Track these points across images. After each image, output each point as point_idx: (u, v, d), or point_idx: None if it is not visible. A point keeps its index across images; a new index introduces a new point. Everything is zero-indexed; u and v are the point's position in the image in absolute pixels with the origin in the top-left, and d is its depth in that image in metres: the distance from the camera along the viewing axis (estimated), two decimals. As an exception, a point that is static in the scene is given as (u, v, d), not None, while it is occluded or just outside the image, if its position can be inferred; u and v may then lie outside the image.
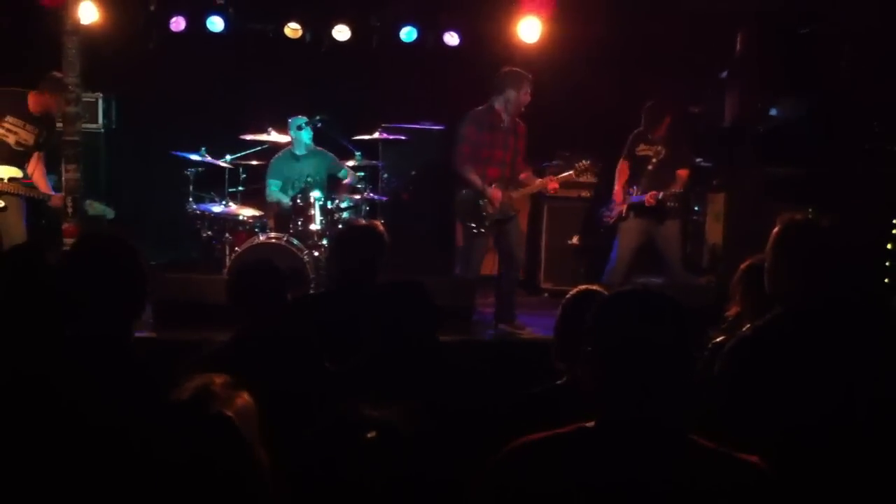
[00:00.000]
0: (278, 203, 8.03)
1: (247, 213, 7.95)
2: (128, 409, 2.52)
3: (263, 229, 7.83)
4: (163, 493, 1.85)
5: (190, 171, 8.00)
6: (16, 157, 7.39)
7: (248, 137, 8.18)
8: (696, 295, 6.96)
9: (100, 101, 9.03)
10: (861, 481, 2.96)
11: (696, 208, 9.60)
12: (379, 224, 5.11)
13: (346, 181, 8.30)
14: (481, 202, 7.20)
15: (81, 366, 2.78)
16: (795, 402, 3.02)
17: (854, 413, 3.01)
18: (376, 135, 8.52)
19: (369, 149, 8.63)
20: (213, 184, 8.17)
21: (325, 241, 7.73)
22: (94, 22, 7.94)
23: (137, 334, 3.19)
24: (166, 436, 1.87)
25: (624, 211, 7.62)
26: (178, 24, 9.18)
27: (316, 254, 7.63)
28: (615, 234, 7.72)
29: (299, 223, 7.72)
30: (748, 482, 2.08)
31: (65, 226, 7.49)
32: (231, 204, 7.94)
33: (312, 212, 7.75)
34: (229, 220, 7.91)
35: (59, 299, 2.99)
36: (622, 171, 7.80)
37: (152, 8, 9.13)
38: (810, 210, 6.03)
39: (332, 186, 8.30)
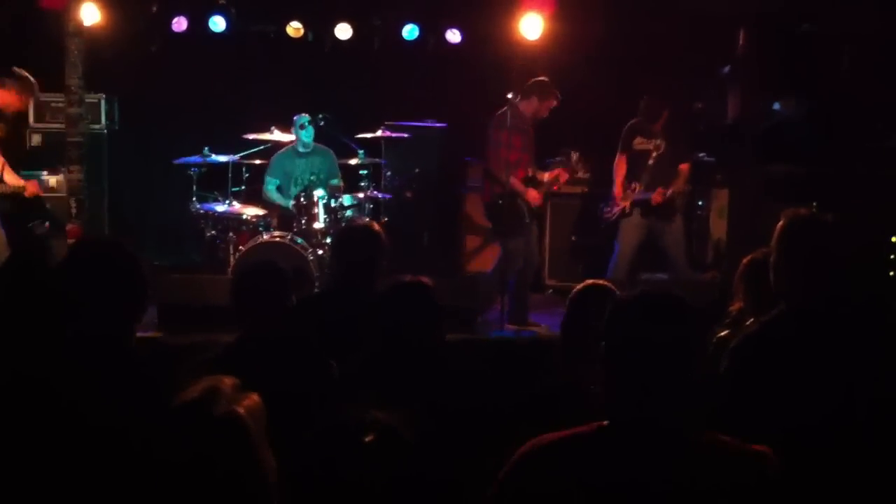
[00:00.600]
0: (279, 204, 8.04)
1: (250, 212, 7.95)
2: (128, 410, 2.53)
3: (267, 228, 7.83)
4: (170, 493, 1.85)
5: (193, 171, 7.99)
6: None
7: (251, 137, 8.18)
8: (700, 291, 6.96)
9: (102, 102, 9.03)
10: (864, 480, 2.96)
11: (699, 204, 9.58)
12: (376, 224, 5.11)
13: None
14: (522, 203, 7.45)
15: (81, 367, 2.78)
16: (800, 399, 3.02)
17: (858, 411, 3.01)
18: (379, 133, 8.52)
19: (372, 147, 8.62)
20: (217, 183, 8.17)
21: (328, 240, 7.73)
22: (96, 23, 7.94)
23: (141, 334, 3.19)
24: (171, 436, 1.87)
25: (628, 207, 7.61)
26: (179, 24, 9.18)
27: (320, 252, 7.63)
28: (616, 231, 7.72)
29: (303, 222, 7.73)
30: (764, 477, 2.09)
31: (69, 227, 7.51)
32: (234, 203, 7.93)
33: (316, 210, 7.75)
34: (233, 220, 7.91)
35: (60, 301, 3.00)
36: (620, 165, 7.80)
37: (154, 9, 9.13)
38: (814, 204, 6.04)
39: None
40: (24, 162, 7.74)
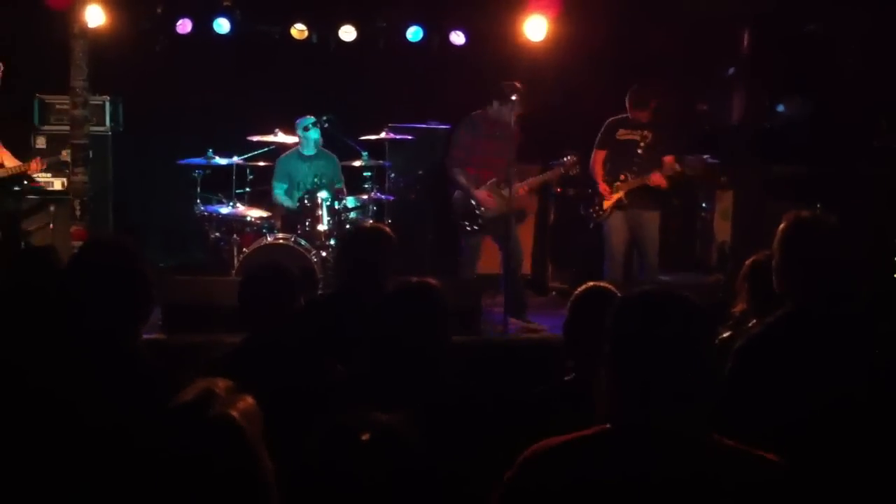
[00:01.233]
0: (286, 207, 8.04)
1: (254, 214, 7.96)
2: (129, 411, 2.53)
3: (271, 230, 7.84)
4: (164, 494, 1.85)
5: (197, 173, 7.99)
6: None
7: (255, 138, 8.19)
8: (705, 293, 6.95)
9: (107, 104, 9.04)
10: (867, 480, 2.96)
11: (703, 205, 9.58)
12: (385, 226, 5.11)
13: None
14: (473, 202, 7.65)
15: (85, 368, 2.79)
16: (802, 400, 3.02)
17: (860, 412, 3.00)
18: (383, 135, 8.52)
19: (376, 149, 8.63)
20: (221, 185, 8.18)
21: (332, 242, 7.74)
22: (100, 25, 7.96)
23: (145, 336, 3.20)
24: (169, 437, 1.88)
25: (613, 203, 7.59)
26: (184, 26, 9.20)
27: (324, 254, 7.63)
28: (603, 233, 7.73)
29: (307, 224, 7.73)
30: (770, 480, 2.09)
31: (73, 228, 7.53)
32: (238, 205, 7.94)
33: (320, 212, 7.75)
34: (237, 222, 7.92)
35: (66, 302, 3.00)
36: (597, 161, 7.75)
37: (159, 11, 9.15)
38: (818, 206, 6.04)
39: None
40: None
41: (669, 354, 2.10)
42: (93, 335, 2.92)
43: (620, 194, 7.58)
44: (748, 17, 8.42)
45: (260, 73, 9.64)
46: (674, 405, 2.10)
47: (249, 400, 1.95)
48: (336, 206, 7.82)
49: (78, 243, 7.34)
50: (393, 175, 8.92)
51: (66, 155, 7.73)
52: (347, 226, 7.80)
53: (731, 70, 9.05)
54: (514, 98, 7.38)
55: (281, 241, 7.53)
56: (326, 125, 8.21)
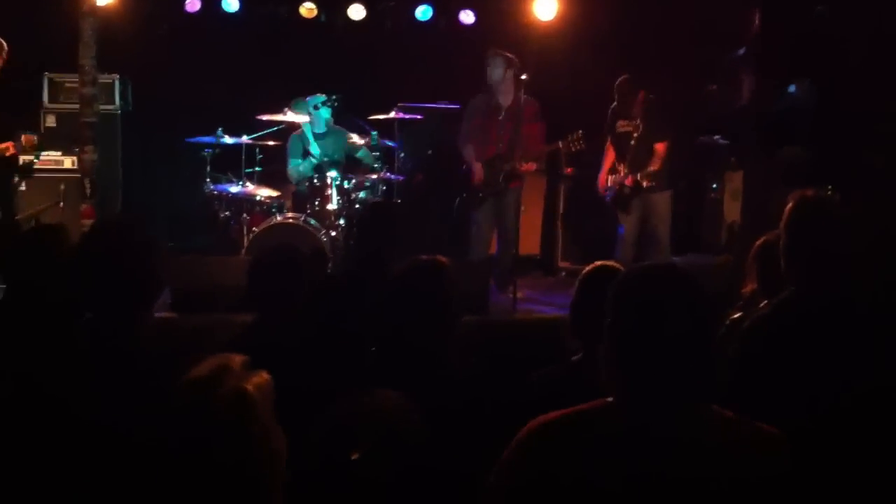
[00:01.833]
0: (302, 179, 8.03)
1: (264, 193, 7.97)
2: (138, 393, 2.54)
3: (281, 210, 7.85)
4: (177, 469, 1.86)
5: (207, 152, 8.00)
6: None
7: (265, 118, 8.18)
8: (714, 273, 6.94)
9: (116, 83, 9.04)
10: (870, 465, 2.96)
11: (713, 186, 9.55)
12: (393, 203, 5.11)
13: (364, 163, 8.33)
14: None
15: (92, 351, 2.80)
16: (808, 383, 3.02)
17: (865, 397, 3.00)
18: (392, 114, 8.51)
19: (385, 128, 8.61)
20: (230, 165, 8.18)
21: (342, 221, 7.74)
22: (109, 4, 7.95)
23: (155, 315, 3.20)
24: (182, 410, 1.88)
25: (617, 189, 7.64)
26: (193, 4, 9.20)
27: (333, 234, 7.65)
28: (617, 213, 7.75)
29: (316, 203, 7.74)
30: (770, 452, 2.10)
31: (83, 207, 7.55)
32: (248, 184, 7.95)
33: (329, 192, 7.76)
34: (246, 201, 7.93)
35: (74, 285, 3.00)
36: (608, 151, 7.87)
37: (168, -11, 9.15)
38: (829, 187, 6.01)
39: (350, 167, 8.32)
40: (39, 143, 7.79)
41: (667, 330, 2.09)
42: (100, 318, 2.91)
43: (616, 188, 7.67)
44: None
45: (268, 52, 9.63)
46: (672, 379, 2.09)
47: (265, 375, 1.96)
48: (346, 186, 7.82)
49: (88, 221, 7.37)
50: (402, 155, 8.90)
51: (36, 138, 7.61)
52: (357, 206, 7.80)
53: (741, 51, 8.99)
54: (502, 65, 7.53)
55: (290, 220, 7.54)
56: (336, 104, 8.21)
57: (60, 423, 2.57)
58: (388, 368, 3.06)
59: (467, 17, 9.61)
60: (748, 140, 8.62)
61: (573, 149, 7.76)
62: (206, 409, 1.85)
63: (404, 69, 9.72)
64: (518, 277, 7.51)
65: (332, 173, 7.81)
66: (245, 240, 7.67)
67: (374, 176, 8.07)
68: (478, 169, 7.72)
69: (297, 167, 8.24)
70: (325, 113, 8.21)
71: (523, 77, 7.50)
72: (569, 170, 9.24)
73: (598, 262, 3.40)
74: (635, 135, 7.63)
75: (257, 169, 8.20)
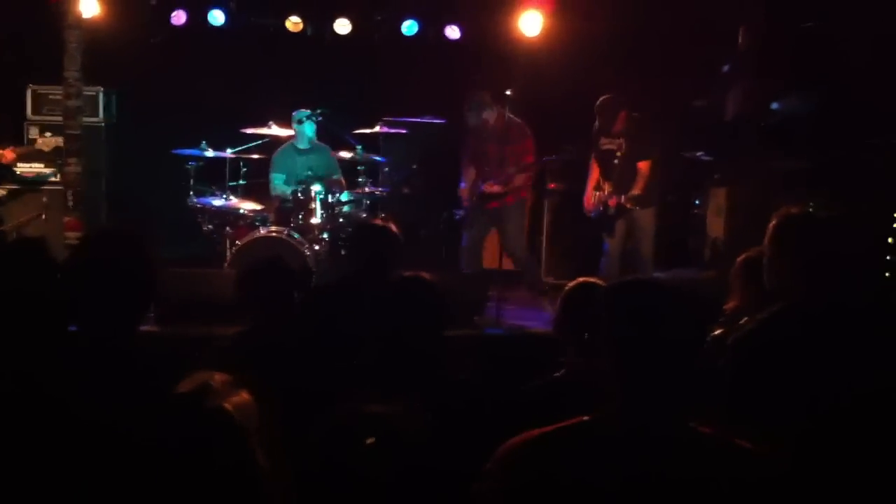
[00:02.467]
0: (282, 197, 8.02)
1: (248, 206, 7.94)
2: (128, 406, 2.52)
3: (264, 223, 7.82)
4: (158, 487, 1.85)
5: (191, 165, 7.97)
6: None
7: (250, 131, 8.17)
8: (697, 289, 6.94)
9: (101, 95, 9.03)
10: (861, 476, 2.97)
11: (696, 202, 9.58)
12: (392, 223, 5.11)
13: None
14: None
15: (83, 363, 2.77)
16: (798, 396, 3.03)
17: (855, 407, 3.01)
18: (377, 128, 8.51)
19: (370, 143, 8.62)
20: (214, 177, 8.15)
21: (325, 235, 7.73)
22: (95, 15, 7.94)
23: (140, 328, 3.18)
24: (164, 429, 1.88)
25: (602, 208, 7.66)
26: (178, 17, 9.19)
27: (316, 247, 7.63)
28: (603, 229, 7.77)
29: (300, 217, 7.73)
30: (747, 469, 2.10)
31: (66, 220, 7.51)
32: (232, 198, 7.93)
33: (313, 206, 7.75)
34: (230, 214, 7.90)
35: (64, 296, 2.97)
36: (592, 167, 7.88)
37: (153, 2, 9.13)
38: (810, 204, 6.03)
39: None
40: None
41: (652, 344, 2.10)
42: (91, 329, 2.89)
43: (600, 206, 7.69)
44: (747, 10, 8.41)
45: (254, 65, 9.63)
46: (655, 395, 2.10)
47: (245, 395, 1.95)
48: (329, 200, 7.82)
49: (71, 234, 7.33)
50: (387, 169, 8.91)
51: (41, 143, 7.68)
52: (341, 220, 7.79)
53: (727, 66, 9.04)
54: (477, 107, 7.66)
55: (274, 234, 7.52)
56: (321, 118, 8.21)
57: (51, 429, 2.56)
58: (378, 381, 3.05)
59: (453, 32, 9.63)
60: (734, 154, 8.66)
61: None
62: (186, 428, 1.84)
63: (390, 84, 9.73)
64: (503, 292, 7.51)
65: (317, 187, 7.80)
66: (228, 253, 7.65)
67: (359, 190, 8.07)
68: (463, 191, 7.91)
69: (279, 184, 8.22)
70: (309, 128, 8.20)
71: (508, 92, 7.52)
72: (552, 184, 9.25)
73: (581, 279, 3.41)
74: (619, 153, 7.63)
75: (241, 182, 8.19)
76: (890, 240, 7.60)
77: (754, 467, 2.10)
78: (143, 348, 2.99)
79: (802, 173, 8.24)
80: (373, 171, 8.52)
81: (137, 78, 9.06)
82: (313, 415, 2.50)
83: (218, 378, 1.93)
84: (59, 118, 7.85)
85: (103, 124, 9.07)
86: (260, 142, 8.27)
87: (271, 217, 7.92)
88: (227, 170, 8.03)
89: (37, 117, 8.84)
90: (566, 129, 8.84)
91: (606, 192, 7.64)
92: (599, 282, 3.34)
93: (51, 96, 8.69)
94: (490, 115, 7.70)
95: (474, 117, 7.73)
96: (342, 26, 9.46)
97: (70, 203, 7.40)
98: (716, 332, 3.79)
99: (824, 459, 2.90)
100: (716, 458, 2.09)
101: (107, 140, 9.12)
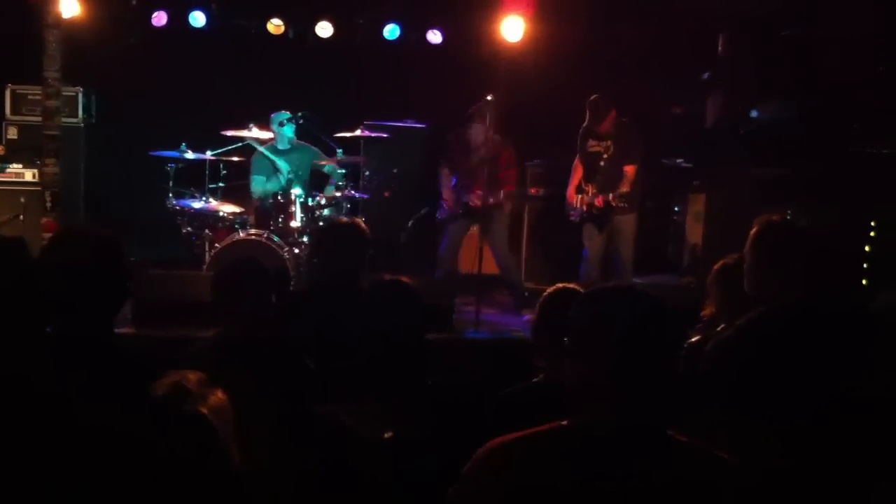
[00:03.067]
0: (262, 198, 8.00)
1: (227, 209, 7.91)
2: (107, 407, 2.50)
3: (244, 226, 7.80)
4: (136, 490, 1.84)
5: (170, 167, 7.94)
6: None
7: (230, 133, 8.14)
8: (676, 295, 6.98)
9: (80, 96, 8.97)
10: (841, 477, 2.99)
11: (676, 209, 9.62)
12: (361, 222, 5.11)
13: (331, 180, 8.32)
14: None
15: (62, 363, 2.76)
16: (778, 401, 3.04)
17: (834, 411, 3.03)
18: (358, 132, 8.50)
19: (351, 146, 8.61)
20: (194, 180, 8.12)
21: (305, 238, 7.71)
22: (75, 16, 7.90)
23: (116, 331, 3.16)
24: (143, 433, 1.87)
25: (585, 209, 7.68)
26: (159, 18, 9.16)
27: (296, 251, 7.61)
28: (583, 234, 7.78)
29: (280, 220, 7.71)
30: (722, 477, 2.11)
31: (44, 220, 7.46)
32: (211, 200, 7.90)
33: (293, 208, 7.74)
34: (209, 217, 7.87)
35: (40, 295, 2.96)
36: (576, 168, 7.88)
37: (134, 2, 9.09)
38: (788, 211, 6.08)
39: (316, 182, 8.31)
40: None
41: (628, 350, 2.10)
42: (68, 328, 2.87)
43: (583, 208, 7.71)
44: (726, 18, 8.45)
45: (235, 67, 9.61)
46: (630, 401, 2.10)
47: (220, 395, 1.94)
48: (310, 203, 7.80)
49: (49, 235, 7.29)
50: (368, 173, 8.89)
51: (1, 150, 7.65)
52: (321, 223, 7.78)
53: (707, 74, 9.09)
54: (485, 116, 7.65)
55: (253, 236, 7.50)
56: (301, 121, 8.20)
57: (28, 430, 2.54)
58: (359, 385, 3.05)
59: (435, 36, 9.64)
60: (713, 161, 8.70)
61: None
62: (162, 432, 1.83)
63: (371, 87, 9.74)
64: (483, 296, 7.52)
65: (297, 190, 7.78)
66: (207, 255, 7.62)
67: (339, 194, 8.05)
68: (446, 194, 8.02)
69: (258, 186, 8.20)
70: (289, 131, 8.19)
71: (489, 98, 7.53)
72: (533, 190, 9.27)
73: (560, 285, 3.41)
74: (605, 155, 7.64)
75: (221, 184, 8.16)
76: (867, 248, 7.66)
77: (731, 476, 2.11)
78: (121, 349, 2.98)
79: (781, 181, 8.29)
80: (354, 175, 8.51)
81: (117, 78, 9.02)
82: (291, 417, 2.50)
83: (192, 377, 1.92)
84: (39, 118, 7.81)
85: (82, 125, 9.02)
86: (240, 144, 8.24)
87: (251, 220, 7.89)
88: (207, 172, 7.99)
89: (16, 117, 8.78)
90: (547, 134, 8.87)
91: (590, 194, 7.65)
92: (579, 287, 3.34)
93: (30, 96, 8.63)
94: (485, 130, 7.70)
95: (479, 130, 7.73)
96: (324, 29, 9.45)
97: (48, 204, 7.36)
98: (693, 339, 3.80)
99: (805, 462, 2.92)
100: (693, 465, 2.10)
101: (86, 141, 9.07)
